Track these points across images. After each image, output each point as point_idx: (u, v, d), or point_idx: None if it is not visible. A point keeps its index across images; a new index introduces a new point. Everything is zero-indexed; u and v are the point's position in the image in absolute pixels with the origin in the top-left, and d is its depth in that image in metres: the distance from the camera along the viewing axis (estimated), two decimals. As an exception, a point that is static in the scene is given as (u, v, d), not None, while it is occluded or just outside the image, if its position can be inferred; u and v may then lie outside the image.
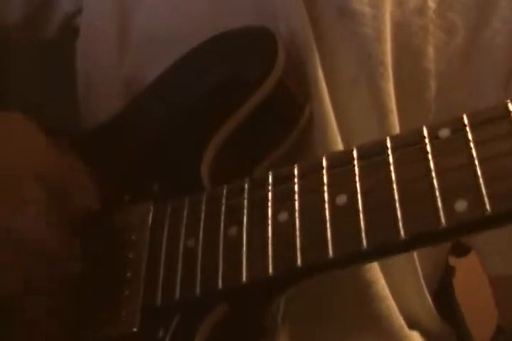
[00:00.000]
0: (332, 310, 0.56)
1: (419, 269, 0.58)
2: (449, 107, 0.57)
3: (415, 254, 0.57)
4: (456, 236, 0.38)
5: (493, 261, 0.60)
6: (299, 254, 0.41)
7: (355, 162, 0.42)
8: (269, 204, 0.44)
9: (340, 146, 0.54)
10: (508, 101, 0.38)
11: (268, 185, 0.45)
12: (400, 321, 0.57)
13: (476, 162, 0.37)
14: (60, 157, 0.51)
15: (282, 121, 0.54)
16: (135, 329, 0.45)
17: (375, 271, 0.54)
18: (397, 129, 0.55)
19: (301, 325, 0.54)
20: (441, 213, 0.37)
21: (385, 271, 0.55)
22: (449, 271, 0.68)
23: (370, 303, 0.55)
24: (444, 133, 0.39)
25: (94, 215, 0.52)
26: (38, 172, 0.48)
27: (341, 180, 0.42)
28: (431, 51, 0.56)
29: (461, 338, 0.66)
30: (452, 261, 0.68)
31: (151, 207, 0.50)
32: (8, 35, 0.70)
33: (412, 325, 0.59)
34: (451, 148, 0.39)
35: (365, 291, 0.55)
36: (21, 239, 0.46)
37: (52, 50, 0.70)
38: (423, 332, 0.60)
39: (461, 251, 0.66)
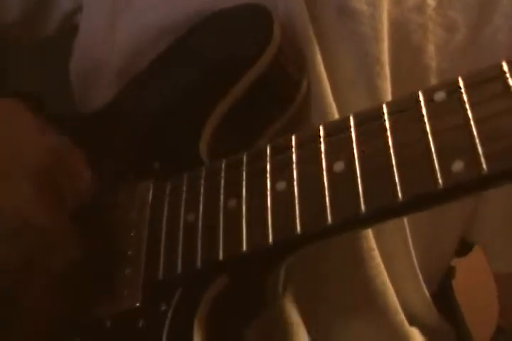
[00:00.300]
0: (332, 306, 0.56)
1: (417, 267, 0.58)
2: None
3: (412, 250, 0.57)
4: (454, 197, 0.38)
5: (499, 259, 0.60)
6: (298, 222, 0.41)
7: (352, 129, 0.42)
8: (268, 174, 0.44)
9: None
10: (503, 61, 0.38)
11: (266, 156, 0.45)
12: (401, 316, 0.56)
13: (472, 122, 0.37)
14: (54, 141, 0.51)
15: (278, 98, 0.54)
16: (137, 304, 0.46)
17: (377, 264, 0.54)
18: None
19: (303, 316, 0.54)
20: (439, 174, 0.37)
21: (384, 267, 0.55)
22: (449, 271, 0.67)
23: (372, 298, 0.55)
24: (440, 95, 0.39)
25: (95, 195, 0.52)
26: (32, 155, 0.48)
27: (338, 148, 0.42)
28: (431, 48, 0.56)
29: (461, 338, 0.66)
30: (452, 261, 0.67)
31: (151, 185, 0.51)
32: (7, 33, 0.70)
33: (412, 321, 0.59)
34: (446, 110, 0.39)
35: (366, 285, 0.55)
36: (18, 220, 0.46)
37: (51, 47, 0.70)
38: (422, 328, 0.60)
39: (461, 251, 0.66)
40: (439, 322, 0.63)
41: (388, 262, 0.56)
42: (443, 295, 0.66)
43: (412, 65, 0.56)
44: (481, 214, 0.59)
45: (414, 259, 0.58)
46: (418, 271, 0.59)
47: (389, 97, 0.55)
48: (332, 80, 0.54)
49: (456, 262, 0.68)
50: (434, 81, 0.56)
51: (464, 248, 0.65)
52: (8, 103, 0.52)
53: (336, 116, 0.54)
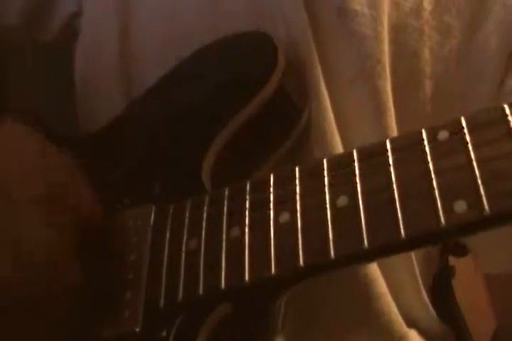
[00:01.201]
0: (330, 308, 0.57)
1: (416, 267, 0.59)
2: (445, 108, 0.58)
3: (413, 254, 0.58)
4: (456, 237, 0.39)
5: (488, 261, 0.61)
6: (300, 255, 0.41)
7: (356, 163, 0.42)
8: (271, 205, 0.44)
9: (339, 145, 0.55)
10: (505, 104, 0.39)
11: (269, 186, 0.45)
12: (399, 319, 0.57)
13: (474, 163, 0.38)
14: (57, 161, 0.51)
15: (282, 124, 0.54)
16: (137, 329, 0.46)
17: (373, 269, 0.55)
18: (394, 128, 0.56)
19: (298, 322, 0.55)
20: (441, 213, 0.38)
21: (382, 269, 0.56)
22: (449, 271, 0.68)
23: (369, 301, 0.55)
24: (443, 135, 0.40)
25: (95, 219, 0.52)
26: (37, 175, 0.49)
27: (342, 182, 0.42)
28: (426, 53, 0.57)
29: (461, 338, 0.67)
30: (452, 261, 0.68)
31: (153, 209, 0.51)
32: (9, 36, 0.70)
33: (410, 323, 0.59)
34: (449, 150, 0.39)
35: (363, 289, 0.55)
36: (21, 240, 0.46)
37: (53, 51, 0.70)
38: (421, 331, 0.60)
39: (461, 251, 0.67)
40: (438, 324, 0.64)
41: (387, 265, 0.56)
42: (443, 295, 0.66)
43: (408, 68, 0.57)
44: None
45: (414, 261, 0.58)
46: (417, 273, 0.59)
47: (389, 98, 0.56)
48: (332, 82, 0.55)
49: (456, 262, 0.69)
50: (429, 85, 0.58)
51: (464, 248, 0.66)
52: (8, 125, 0.53)
53: (336, 135, 0.55)
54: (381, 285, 0.56)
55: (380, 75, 0.56)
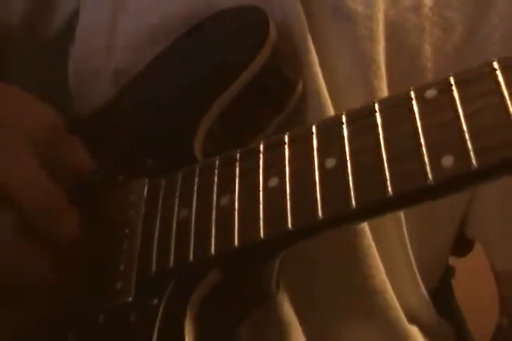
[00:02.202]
0: (331, 303, 0.56)
1: (414, 265, 0.58)
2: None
3: (410, 251, 0.58)
4: (444, 193, 0.38)
5: (500, 257, 0.61)
6: (289, 217, 0.41)
7: (344, 126, 0.42)
8: (260, 171, 0.44)
9: None
10: (494, 59, 0.38)
11: (259, 153, 0.45)
12: (399, 314, 0.57)
13: (462, 118, 0.37)
14: (54, 117, 0.49)
15: (274, 98, 0.54)
16: (130, 299, 0.46)
17: (375, 262, 0.55)
18: None
19: (299, 315, 0.54)
20: (428, 169, 0.37)
21: (384, 265, 0.55)
22: (448, 271, 0.67)
23: (369, 295, 0.55)
24: (431, 93, 0.40)
25: (90, 195, 0.52)
26: (33, 134, 0.47)
27: (330, 144, 0.42)
28: (427, 49, 0.57)
29: (461, 338, 0.66)
30: (452, 261, 0.67)
31: (146, 182, 0.51)
32: (9, 35, 0.70)
33: (411, 319, 0.59)
34: (437, 107, 0.39)
35: (364, 284, 0.55)
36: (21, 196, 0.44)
37: (53, 49, 0.71)
38: (422, 328, 0.60)
39: (462, 251, 0.66)
40: (438, 321, 0.63)
41: (386, 260, 0.56)
42: (443, 295, 0.66)
43: (408, 65, 0.57)
44: (479, 210, 0.59)
45: (412, 258, 0.58)
46: (416, 270, 0.59)
47: None
48: (328, 80, 0.55)
49: (456, 262, 0.68)
50: (430, 81, 0.57)
51: (464, 248, 0.65)
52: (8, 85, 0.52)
53: (332, 110, 0.54)
54: (383, 281, 0.55)
55: (376, 75, 0.55)
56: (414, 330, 0.59)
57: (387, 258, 0.56)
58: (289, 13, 0.55)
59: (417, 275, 0.59)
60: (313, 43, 0.54)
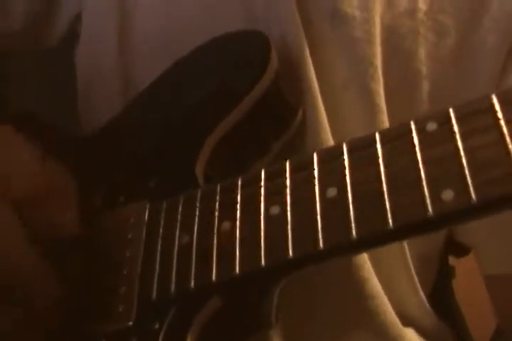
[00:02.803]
0: (324, 308, 0.57)
1: (411, 267, 0.59)
2: (442, 108, 0.58)
3: (407, 251, 0.58)
4: (444, 226, 0.39)
5: (489, 260, 0.61)
6: (290, 245, 0.41)
7: (345, 156, 0.43)
8: (262, 198, 0.44)
9: None
10: (492, 93, 0.39)
11: (260, 180, 0.45)
12: (394, 318, 0.57)
13: (462, 152, 0.38)
14: (41, 172, 0.49)
15: (275, 122, 0.55)
16: (130, 323, 0.46)
17: (367, 268, 0.55)
18: None
19: (293, 321, 0.55)
20: (429, 202, 0.38)
21: (377, 268, 0.56)
22: (448, 271, 0.68)
23: (363, 301, 0.55)
24: (431, 126, 0.40)
25: (90, 217, 0.52)
26: (18, 181, 0.47)
27: (331, 174, 0.43)
28: (422, 53, 0.57)
29: (461, 338, 0.67)
30: (452, 261, 0.68)
31: (147, 205, 0.51)
32: (11, 42, 0.71)
33: (407, 322, 0.59)
34: (437, 140, 0.40)
35: (357, 289, 0.55)
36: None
37: (56, 55, 0.71)
38: (418, 329, 0.60)
39: (461, 251, 0.67)
40: (436, 322, 0.64)
41: (382, 264, 0.56)
42: (443, 296, 0.66)
43: (404, 69, 0.58)
44: None
45: (409, 259, 0.58)
46: (413, 272, 0.59)
47: (382, 100, 0.56)
48: (326, 87, 0.56)
49: (456, 262, 0.69)
50: (425, 85, 0.58)
51: (463, 248, 0.66)
52: (6, 129, 0.52)
53: (329, 134, 0.55)
54: (375, 285, 0.56)
55: (373, 78, 0.56)
56: (410, 333, 0.60)
57: (381, 261, 0.56)
58: (289, 37, 0.56)
59: (414, 276, 0.60)
60: (311, 51, 0.55)
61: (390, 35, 0.57)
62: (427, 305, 0.62)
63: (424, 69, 0.58)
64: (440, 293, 0.66)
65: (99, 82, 0.65)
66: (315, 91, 0.55)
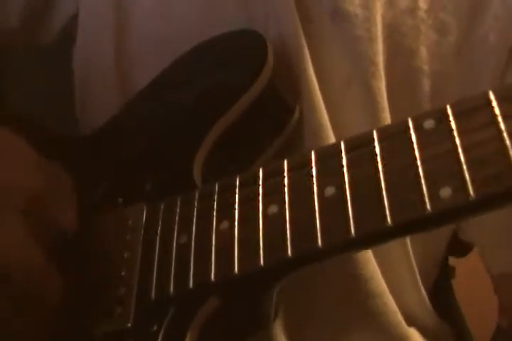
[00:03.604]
0: (328, 307, 0.56)
1: (414, 266, 0.59)
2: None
3: (411, 250, 0.58)
4: (443, 223, 0.39)
5: (496, 260, 0.61)
6: (289, 245, 0.41)
7: (343, 154, 0.43)
8: (260, 198, 0.44)
9: None
10: (489, 90, 0.39)
11: (258, 180, 0.45)
12: (397, 317, 0.57)
13: (459, 149, 0.38)
14: (41, 175, 0.49)
15: (273, 121, 0.55)
16: (129, 325, 0.46)
17: (371, 267, 0.55)
18: None
19: (295, 321, 0.55)
20: (427, 200, 0.38)
21: (381, 266, 0.55)
22: (448, 271, 0.68)
23: (367, 300, 0.55)
24: (429, 123, 0.40)
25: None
26: (14, 195, 0.46)
27: (330, 173, 0.42)
28: (423, 51, 0.57)
29: (461, 338, 0.66)
30: (452, 261, 0.68)
31: (145, 207, 0.51)
32: (8, 39, 0.71)
33: (410, 321, 0.59)
34: (435, 138, 0.39)
35: (361, 288, 0.55)
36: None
37: (52, 54, 0.71)
38: (421, 329, 0.60)
39: (461, 251, 0.67)
40: (437, 322, 0.64)
41: (385, 263, 0.56)
42: (443, 295, 0.66)
43: (405, 67, 0.57)
44: None
45: (412, 258, 0.58)
46: (416, 271, 0.59)
47: (384, 98, 0.56)
48: (326, 85, 0.55)
49: (456, 262, 0.68)
50: (427, 83, 0.57)
51: (463, 248, 0.66)
52: (3, 133, 0.52)
53: (330, 131, 0.55)
54: (379, 284, 0.56)
55: (375, 76, 0.56)
56: (413, 332, 0.59)
57: (384, 260, 0.56)
58: (286, 36, 0.55)
59: (417, 276, 0.60)
60: (310, 49, 0.55)
61: (392, 33, 0.57)
62: (429, 303, 0.62)
63: (425, 67, 0.58)
64: (440, 292, 0.66)
65: (96, 82, 0.65)
66: (314, 89, 0.55)
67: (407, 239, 0.57)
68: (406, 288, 0.60)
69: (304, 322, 0.56)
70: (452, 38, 0.58)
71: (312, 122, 0.55)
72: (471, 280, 0.87)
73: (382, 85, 0.56)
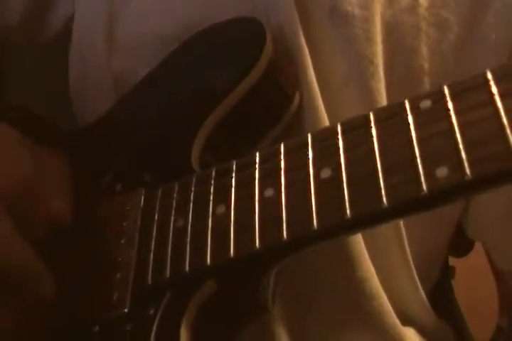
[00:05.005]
0: (324, 308, 0.56)
1: (412, 265, 0.58)
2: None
3: (408, 250, 0.57)
4: (439, 203, 0.38)
5: (502, 257, 0.60)
6: (284, 227, 0.41)
7: (339, 136, 0.42)
8: (256, 181, 0.44)
9: None
10: (487, 70, 0.39)
11: (255, 163, 0.45)
12: (393, 319, 0.56)
13: (456, 129, 0.37)
14: (32, 164, 0.49)
15: (271, 109, 0.54)
16: (126, 310, 0.46)
17: (367, 268, 0.54)
18: None
19: (295, 315, 0.54)
20: (423, 180, 0.37)
21: (377, 267, 0.55)
22: (448, 271, 0.67)
23: (363, 301, 0.55)
24: (426, 103, 0.40)
25: (87, 206, 0.52)
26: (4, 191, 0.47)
27: (326, 154, 0.42)
28: (424, 49, 0.57)
29: (461, 338, 0.66)
30: (452, 261, 0.68)
31: (142, 193, 0.51)
32: (7, 37, 0.71)
33: (408, 321, 0.59)
34: (432, 118, 0.39)
35: (357, 289, 0.55)
36: None
37: (51, 52, 0.71)
38: (419, 329, 0.60)
39: (462, 251, 0.66)
40: (436, 322, 0.63)
41: (382, 262, 0.56)
42: (443, 295, 0.66)
43: (406, 66, 0.57)
44: (481, 210, 0.59)
45: (410, 257, 0.58)
46: (414, 271, 0.59)
47: (383, 99, 0.56)
48: (325, 84, 0.55)
49: (456, 262, 0.68)
50: (427, 82, 0.57)
51: (463, 248, 0.65)
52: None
53: (328, 123, 0.54)
54: (375, 285, 0.55)
55: (373, 76, 0.55)
56: (409, 332, 0.59)
57: (383, 260, 0.56)
58: (286, 25, 0.55)
59: (415, 276, 0.59)
60: (310, 49, 0.55)
61: (391, 32, 0.56)
62: (427, 303, 0.61)
63: (426, 65, 0.57)
64: (440, 292, 0.65)
65: (91, 79, 0.65)
66: (313, 87, 0.54)
67: (405, 240, 0.57)
68: (403, 287, 0.59)
69: (303, 317, 0.56)
70: (453, 36, 0.57)
71: (311, 117, 0.54)
72: (471, 280, 0.87)
73: (381, 86, 0.55)
